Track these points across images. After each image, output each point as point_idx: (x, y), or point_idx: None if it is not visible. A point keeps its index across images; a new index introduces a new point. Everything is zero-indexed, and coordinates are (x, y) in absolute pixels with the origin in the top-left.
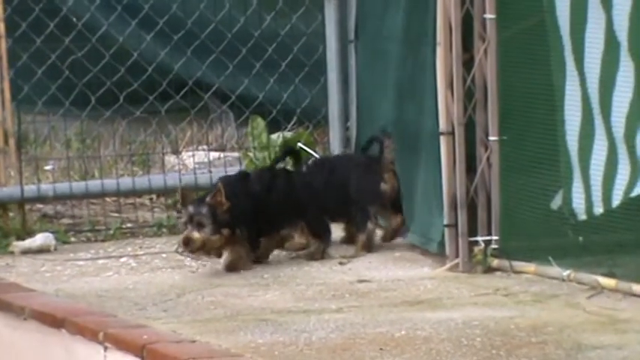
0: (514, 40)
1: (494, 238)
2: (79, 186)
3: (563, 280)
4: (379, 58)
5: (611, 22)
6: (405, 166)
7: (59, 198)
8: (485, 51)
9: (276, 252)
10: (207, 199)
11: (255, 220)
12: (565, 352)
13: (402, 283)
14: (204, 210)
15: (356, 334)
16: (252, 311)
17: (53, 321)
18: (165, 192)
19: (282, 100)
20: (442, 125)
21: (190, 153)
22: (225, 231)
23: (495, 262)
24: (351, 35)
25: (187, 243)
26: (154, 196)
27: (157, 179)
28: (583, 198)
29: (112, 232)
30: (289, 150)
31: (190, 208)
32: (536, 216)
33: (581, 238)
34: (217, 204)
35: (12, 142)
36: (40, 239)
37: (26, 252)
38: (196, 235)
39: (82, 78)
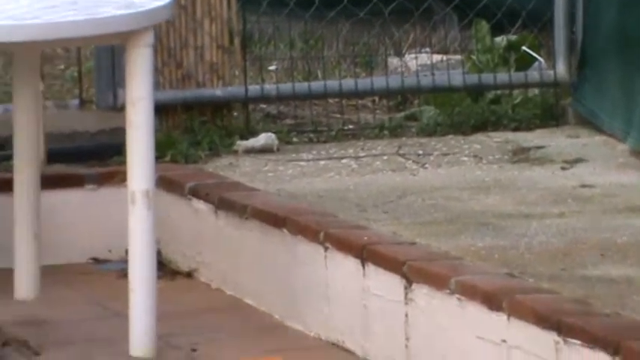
0: None
1: None
2: (302, 86)
3: None
4: None
5: None
6: (629, 71)
7: (282, 98)
8: None
9: (504, 157)
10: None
11: None
12: None
13: (626, 189)
14: None
15: (577, 239)
16: (473, 215)
17: (275, 220)
18: (387, 94)
19: (506, 2)
20: None
21: (413, 55)
22: None
23: None
24: None
25: None
26: (376, 98)
27: (379, 81)
28: None
29: (333, 133)
30: None
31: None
32: None
33: None
34: None
35: (237, 41)
36: (263, 139)
37: (249, 151)
38: None
39: None
